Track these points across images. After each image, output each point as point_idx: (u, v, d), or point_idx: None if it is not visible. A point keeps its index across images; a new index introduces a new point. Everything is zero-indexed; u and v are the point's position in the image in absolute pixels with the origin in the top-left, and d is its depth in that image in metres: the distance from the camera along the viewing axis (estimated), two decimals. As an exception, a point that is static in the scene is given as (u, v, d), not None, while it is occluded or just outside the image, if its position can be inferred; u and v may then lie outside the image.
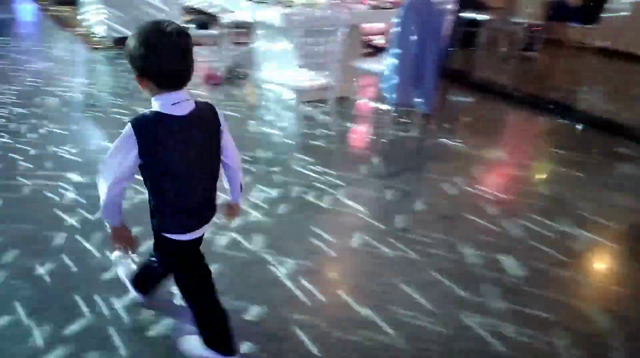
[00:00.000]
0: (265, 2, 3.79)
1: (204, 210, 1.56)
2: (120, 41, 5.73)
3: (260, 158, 3.28)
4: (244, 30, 5.69)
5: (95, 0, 5.57)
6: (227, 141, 1.59)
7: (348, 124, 4.03)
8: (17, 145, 3.18)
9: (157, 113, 1.40)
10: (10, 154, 3.06)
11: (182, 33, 1.36)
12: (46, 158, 3.04)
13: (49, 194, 2.66)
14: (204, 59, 5.45)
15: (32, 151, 3.12)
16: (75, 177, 2.84)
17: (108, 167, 1.41)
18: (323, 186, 2.96)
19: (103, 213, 1.49)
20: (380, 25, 5.36)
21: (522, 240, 2.58)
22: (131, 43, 1.34)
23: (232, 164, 1.63)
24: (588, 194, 3.11)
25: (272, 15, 3.58)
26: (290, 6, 3.72)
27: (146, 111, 1.42)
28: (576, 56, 7.15)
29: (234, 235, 2.40)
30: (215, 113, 1.57)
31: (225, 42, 5.13)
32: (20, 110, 3.74)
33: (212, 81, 4.71)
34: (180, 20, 4.48)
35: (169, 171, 1.43)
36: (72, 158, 3.08)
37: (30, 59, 5.14)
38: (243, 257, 2.27)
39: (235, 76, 4.94)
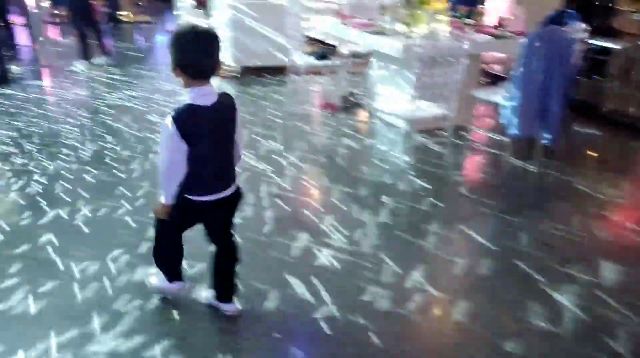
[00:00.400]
0: (384, 34, 3.86)
1: (223, 179, 1.87)
2: (248, 70, 6.16)
3: (372, 185, 3.31)
4: (361, 60, 5.84)
5: (226, 33, 6.04)
6: (238, 124, 1.87)
7: (464, 156, 3.93)
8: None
9: (189, 105, 1.69)
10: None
11: (210, 34, 1.66)
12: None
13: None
14: (321, 87, 5.68)
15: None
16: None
17: (170, 154, 1.71)
18: (435, 218, 2.91)
19: (166, 198, 1.80)
20: (501, 54, 5.20)
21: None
22: (171, 40, 1.64)
23: (238, 140, 1.90)
24: None
25: (391, 46, 3.63)
26: (410, 37, 3.75)
27: (181, 105, 1.70)
28: None
29: (355, 260, 2.44)
30: (233, 101, 1.84)
31: (342, 72, 5.30)
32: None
33: (328, 109, 4.88)
34: (301, 51, 4.71)
35: (197, 150, 1.72)
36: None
37: (160, 84, 5.69)
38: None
39: (350, 105, 5.07)
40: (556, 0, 5.68)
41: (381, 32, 3.92)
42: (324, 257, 2.48)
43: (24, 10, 6.31)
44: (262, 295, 2.19)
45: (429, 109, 3.30)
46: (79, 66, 6.12)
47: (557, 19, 4.61)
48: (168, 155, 1.73)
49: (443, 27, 4.19)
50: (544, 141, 3.56)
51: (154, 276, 2.15)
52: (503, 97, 3.50)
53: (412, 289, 2.28)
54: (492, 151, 4.02)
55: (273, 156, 3.71)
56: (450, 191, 3.29)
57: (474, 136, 4.34)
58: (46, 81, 5.80)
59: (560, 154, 3.89)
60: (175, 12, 9.44)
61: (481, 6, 5.13)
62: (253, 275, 2.28)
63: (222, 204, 1.89)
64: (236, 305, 2.07)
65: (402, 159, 3.75)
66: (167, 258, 2.06)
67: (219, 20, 6.35)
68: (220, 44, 1.68)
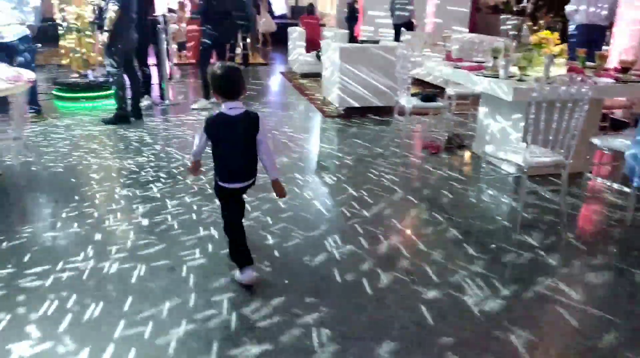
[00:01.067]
0: (496, 77, 3.79)
1: (241, 173, 2.53)
2: (352, 110, 6.33)
3: (476, 232, 3.20)
4: (466, 101, 5.76)
5: (334, 74, 6.28)
6: (262, 140, 2.49)
7: (580, 206, 3.68)
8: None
9: (220, 113, 2.43)
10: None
11: (234, 69, 2.47)
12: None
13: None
14: (425, 128, 5.66)
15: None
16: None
17: (197, 140, 2.51)
18: (543, 271, 2.73)
19: (193, 155, 2.59)
20: (624, 99, 4.86)
21: None
22: (211, 74, 2.43)
23: (264, 155, 2.52)
24: None
25: (504, 89, 3.55)
26: (523, 80, 3.64)
27: (214, 112, 2.45)
28: None
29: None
30: (257, 120, 2.48)
31: (447, 113, 5.26)
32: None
33: (431, 149, 4.83)
34: (407, 92, 4.76)
35: (219, 149, 2.48)
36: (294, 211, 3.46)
37: (269, 119, 6.01)
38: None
39: (454, 146, 4.99)
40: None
41: (492, 75, 3.84)
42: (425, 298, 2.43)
43: (157, 53, 7.03)
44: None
45: (543, 155, 3.14)
46: (200, 103, 6.69)
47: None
48: (197, 140, 2.52)
49: (560, 70, 4.03)
50: (675, 195, 3.23)
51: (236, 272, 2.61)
52: (627, 145, 3.25)
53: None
54: (612, 202, 3.71)
55: (376, 193, 3.73)
56: (562, 244, 3.07)
57: (591, 185, 4.05)
58: (172, 117, 6.38)
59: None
60: (288, 57, 10.03)
61: (603, 49, 4.86)
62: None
63: (243, 191, 2.62)
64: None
65: (511, 206, 3.59)
66: (234, 247, 2.62)
67: (328, 62, 6.63)
68: (241, 75, 2.47)
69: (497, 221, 3.37)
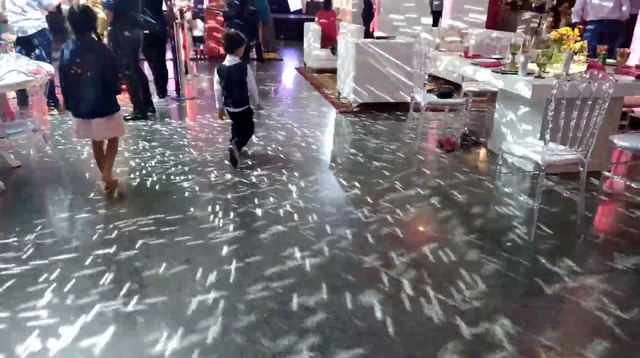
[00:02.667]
0: (514, 73, 3.74)
1: (236, 101, 4.21)
2: (369, 106, 6.31)
3: (490, 230, 3.17)
4: (483, 98, 5.70)
5: (350, 69, 6.26)
6: (250, 80, 4.18)
7: (597, 204, 3.62)
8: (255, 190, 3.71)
9: (222, 64, 4.17)
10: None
11: (235, 34, 4.23)
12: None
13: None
14: (441, 124, 5.62)
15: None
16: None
17: (216, 85, 4.24)
18: (560, 272, 2.69)
19: (217, 101, 4.30)
20: (645, 97, 4.76)
21: None
22: (222, 35, 4.66)
23: (250, 91, 4.22)
24: None
25: (523, 86, 3.51)
26: (542, 77, 3.59)
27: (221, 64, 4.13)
28: None
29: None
30: (245, 68, 4.15)
31: (463, 110, 5.21)
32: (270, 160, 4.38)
33: (446, 146, 4.79)
34: (424, 88, 4.72)
35: (224, 86, 4.18)
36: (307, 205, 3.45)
37: (284, 116, 6.02)
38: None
39: (470, 143, 4.94)
40: None
41: (511, 72, 3.80)
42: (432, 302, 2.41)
43: (173, 47, 7.08)
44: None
45: (561, 153, 3.10)
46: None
47: None
48: (215, 85, 4.23)
49: (580, 67, 3.96)
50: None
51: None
52: (648, 143, 3.19)
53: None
54: (631, 201, 3.65)
55: (389, 193, 3.72)
56: (579, 242, 3.03)
57: (610, 183, 3.98)
58: (190, 112, 6.41)
59: None
60: (304, 52, 10.03)
61: (625, 48, 4.77)
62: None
63: (239, 114, 4.29)
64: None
65: (527, 203, 3.55)
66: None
67: (344, 58, 6.61)
68: (232, 42, 4.16)
69: (513, 219, 3.33)
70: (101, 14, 5.22)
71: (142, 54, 6.04)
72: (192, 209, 3.37)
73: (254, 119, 4.53)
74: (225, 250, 2.85)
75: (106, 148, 3.72)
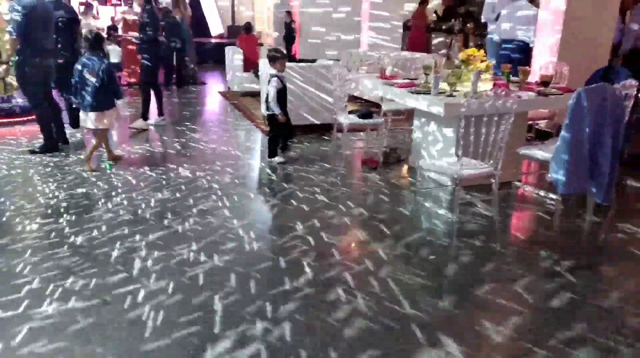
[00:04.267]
0: (427, 93, 3.93)
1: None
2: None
3: (414, 243, 3.27)
4: (403, 117, 5.93)
5: (272, 93, 6.29)
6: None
7: (511, 214, 3.85)
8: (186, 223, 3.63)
9: (278, 74, 5.03)
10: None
11: (277, 49, 5.38)
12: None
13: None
14: (364, 144, 5.77)
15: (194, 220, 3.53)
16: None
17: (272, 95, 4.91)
18: (482, 278, 2.83)
19: (276, 110, 4.93)
20: (546, 111, 5.17)
21: None
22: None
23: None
24: None
25: (435, 105, 3.69)
26: (453, 96, 3.80)
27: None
28: None
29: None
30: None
31: (384, 129, 5.39)
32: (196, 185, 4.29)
33: (370, 164, 4.92)
34: (345, 110, 4.85)
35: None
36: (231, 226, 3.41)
37: (210, 139, 5.94)
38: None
39: (392, 161, 5.10)
40: (602, 56, 5.67)
41: (424, 92, 3.98)
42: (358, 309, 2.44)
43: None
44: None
45: (474, 167, 3.28)
46: (137, 123, 6.55)
47: (605, 75, 4.58)
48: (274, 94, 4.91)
49: (487, 85, 4.24)
50: (595, 199, 3.45)
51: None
52: (551, 154, 3.45)
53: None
54: (540, 208, 3.92)
55: (317, 211, 3.75)
56: (497, 250, 3.20)
57: (521, 193, 4.25)
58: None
59: (613, 211, 3.76)
60: (227, 76, 9.97)
61: (526, 66, 5.16)
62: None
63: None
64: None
65: (447, 217, 3.71)
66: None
67: (266, 82, 6.64)
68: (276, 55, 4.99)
69: (433, 232, 3.46)
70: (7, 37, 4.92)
71: (53, 83, 5.74)
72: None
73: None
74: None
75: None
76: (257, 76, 8.46)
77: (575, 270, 2.95)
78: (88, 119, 4.74)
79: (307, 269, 2.90)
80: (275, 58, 5.00)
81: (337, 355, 2.16)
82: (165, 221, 3.56)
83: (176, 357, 2.15)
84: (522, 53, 6.44)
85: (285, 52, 5.20)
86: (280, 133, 5.11)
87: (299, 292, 2.65)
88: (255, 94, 8.32)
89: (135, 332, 2.31)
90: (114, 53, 10.44)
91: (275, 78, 4.94)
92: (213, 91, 10.20)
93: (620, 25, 6.29)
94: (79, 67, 4.67)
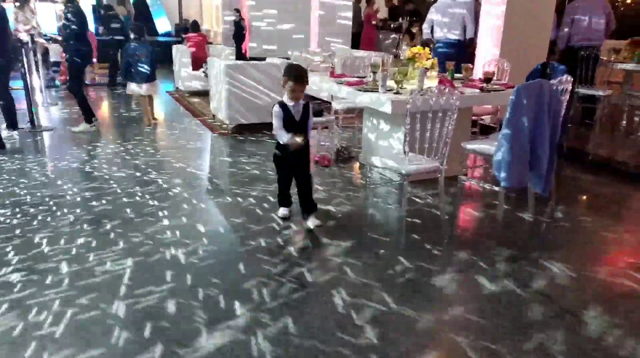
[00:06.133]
0: (375, 91, 3.98)
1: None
2: (243, 127, 6.30)
3: (368, 240, 3.31)
4: (353, 115, 5.99)
5: (222, 92, 6.22)
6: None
7: (457, 206, 3.97)
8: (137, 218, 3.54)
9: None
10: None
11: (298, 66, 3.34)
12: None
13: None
14: (315, 142, 5.79)
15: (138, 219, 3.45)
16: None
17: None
18: (432, 268, 2.90)
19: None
20: (490, 107, 5.35)
21: (665, 341, 2.29)
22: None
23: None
24: None
25: (382, 102, 3.74)
26: (400, 93, 3.87)
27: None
28: None
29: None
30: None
31: (335, 127, 5.42)
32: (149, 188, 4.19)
33: (322, 163, 4.95)
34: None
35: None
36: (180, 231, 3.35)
37: (158, 140, 5.81)
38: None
39: (344, 158, 5.14)
40: (540, 53, 5.92)
41: (372, 89, 4.04)
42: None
43: (23, 74, 6.46)
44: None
45: (421, 162, 3.35)
46: (82, 126, 6.31)
47: (543, 72, 4.79)
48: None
49: (433, 82, 4.34)
50: (535, 190, 3.60)
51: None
52: (493, 148, 3.57)
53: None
54: (486, 201, 4.06)
55: (267, 211, 3.73)
56: (445, 243, 3.29)
57: (467, 187, 4.39)
58: (46, 143, 5.88)
59: (553, 202, 3.94)
60: (174, 75, 9.75)
61: (469, 63, 5.32)
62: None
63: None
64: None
65: (396, 212, 3.77)
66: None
67: (215, 80, 6.55)
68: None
69: (384, 227, 3.52)
70: None
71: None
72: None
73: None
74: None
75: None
76: (206, 74, 8.32)
77: (517, 259, 3.07)
78: (142, 88, 6.60)
79: (264, 264, 2.88)
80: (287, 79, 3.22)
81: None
82: (100, 229, 3.45)
83: None
84: (454, 48, 6.65)
85: (294, 69, 3.24)
86: (287, 177, 3.53)
87: (248, 283, 2.64)
88: (204, 94, 8.19)
89: (80, 341, 2.23)
90: (54, 52, 10.01)
91: (277, 105, 3.31)
92: (161, 90, 9.96)
93: (556, 24, 6.60)
94: (131, 51, 6.42)
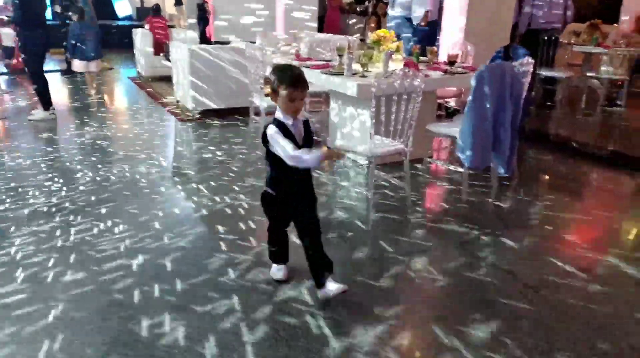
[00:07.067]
0: (341, 74, 3.96)
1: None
2: (208, 112, 6.20)
3: (335, 222, 3.33)
4: (320, 98, 5.97)
5: (185, 76, 6.09)
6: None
7: (423, 188, 4.02)
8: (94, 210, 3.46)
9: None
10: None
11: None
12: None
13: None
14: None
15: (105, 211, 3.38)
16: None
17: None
18: (397, 252, 2.94)
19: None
20: (454, 89, 5.41)
21: (615, 312, 2.39)
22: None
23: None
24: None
25: (348, 86, 3.73)
26: (365, 76, 3.86)
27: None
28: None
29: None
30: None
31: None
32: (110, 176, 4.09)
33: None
34: (261, 92, 4.77)
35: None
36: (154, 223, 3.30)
37: (121, 128, 5.67)
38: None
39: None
40: (503, 36, 6.01)
41: (338, 73, 4.02)
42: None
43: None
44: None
45: (388, 145, 3.37)
46: (38, 114, 6.08)
47: (505, 54, 4.86)
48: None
49: (398, 65, 4.35)
50: (498, 171, 3.68)
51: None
52: (458, 129, 3.62)
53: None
54: (450, 182, 4.12)
55: (234, 193, 3.70)
56: (410, 224, 3.33)
57: (432, 168, 4.45)
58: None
59: (515, 182, 4.04)
60: (136, 61, 9.49)
61: (434, 46, 5.35)
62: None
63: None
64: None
65: (363, 194, 3.80)
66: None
67: (178, 65, 6.40)
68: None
69: (351, 209, 3.54)
70: None
71: None
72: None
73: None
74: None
75: None
76: (168, 59, 8.13)
77: (481, 238, 3.14)
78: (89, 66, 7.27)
79: (223, 246, 2.86)
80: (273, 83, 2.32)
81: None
82: (48, 226, 3.36)
83: (88, 357, 2.05)
84: (411, 30, 6.70)
85: (289, 71, 2.31)
86: (284, 224, 2.60)
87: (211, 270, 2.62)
88: (168, 79, 8.01)
89: (42, 334, 2.17)
90: (7, 37, 9.59)
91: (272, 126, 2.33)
92: (123, 76, 9.70)
93: (518, 7, 6.69)
94: (77, 31, 7.00)
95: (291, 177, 2.36)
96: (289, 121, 2.30)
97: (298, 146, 2.27)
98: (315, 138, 2.47)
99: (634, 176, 4.40)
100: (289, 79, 2.23)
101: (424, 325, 2.31)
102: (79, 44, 7.13)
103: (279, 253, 2.64)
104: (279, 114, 2.32)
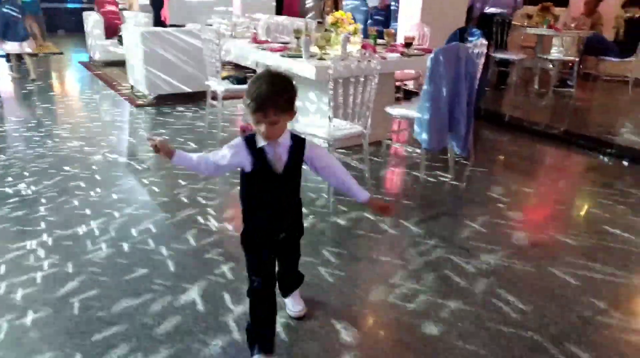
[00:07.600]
0: (299, 57, 3.93)
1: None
2: (163, 98, 6.04)
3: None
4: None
5: (139, 61, 5.90)
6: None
7: (382, 170, 4.06)
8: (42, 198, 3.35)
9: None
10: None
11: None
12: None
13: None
14: (240, 112, 5.67)
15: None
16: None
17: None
18: (360, 233, 2.97)
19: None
20: (412, 71, 5.45)
21: (565, 285, 2.50)
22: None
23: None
24: (633, 231, 3.01)
25: (305, 68, 3.70)
26: (323, 59, 3.84)
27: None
28: (613, 90, 7.05)
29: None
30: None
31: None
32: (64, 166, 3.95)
33: (248, 132, 4.85)
34: (217, 76, 4.68)
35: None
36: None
37: (77, 115, 5.47)
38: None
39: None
40: (458, 18, 6.08)
41: (295, 55, 3.98)
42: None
43: None
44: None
45: (346, 127, 3.38)
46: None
47: (460, 36, 4.93)
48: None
49: (355, 48, 4.34)
50: (455, 151, 3.75)
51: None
52: (415, 111, 3.66)
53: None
54: (409, 164, 4.18)
55: (195, 186, 3.64)
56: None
57: (391, 151, 4.49)
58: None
59: (471, 162, 4.13)
60: (87, 44, 9.13)
61: (391, 27, 5.37)
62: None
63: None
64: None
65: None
66: None
67: (131, 49, 6.20)
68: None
69: (310, 192, 3.54)
70: None
71: None
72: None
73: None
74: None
75: None
76: (120, 42, 7.86)
77: (439, 216, 3.21)
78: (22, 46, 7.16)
79: (190, 239, 2.82)
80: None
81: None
82: (22, 207, 3.23)
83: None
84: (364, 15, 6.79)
85: (257, 85, 1.69)
86: (270, 279, 1.97)
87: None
88: (121, 64, 7.74)
89: None
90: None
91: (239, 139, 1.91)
92: (74, 60, 9.32)
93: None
94: (7, 14, 6.82)
95: (262, 211, 1.89)
96: (262, 142, 1.78)
97: (276, 176, 1.83)
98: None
99: (585, 154, 4.58)
100: (254, 101, 1.67)
101: (377, 303, 2.35)
102: (11, 27, 7.02)
103: (264, 333, 1.94)
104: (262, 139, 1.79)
